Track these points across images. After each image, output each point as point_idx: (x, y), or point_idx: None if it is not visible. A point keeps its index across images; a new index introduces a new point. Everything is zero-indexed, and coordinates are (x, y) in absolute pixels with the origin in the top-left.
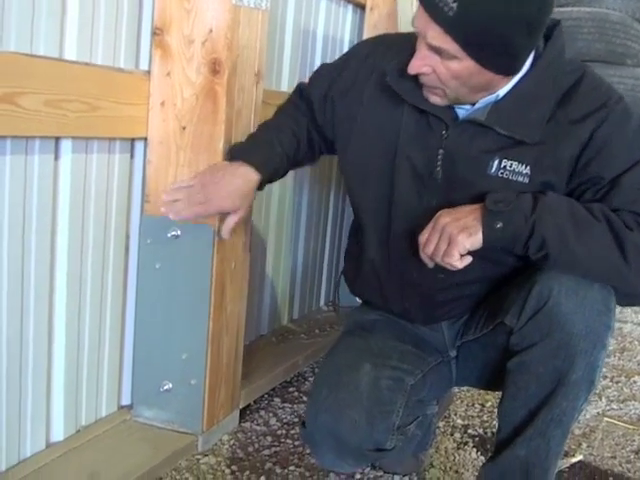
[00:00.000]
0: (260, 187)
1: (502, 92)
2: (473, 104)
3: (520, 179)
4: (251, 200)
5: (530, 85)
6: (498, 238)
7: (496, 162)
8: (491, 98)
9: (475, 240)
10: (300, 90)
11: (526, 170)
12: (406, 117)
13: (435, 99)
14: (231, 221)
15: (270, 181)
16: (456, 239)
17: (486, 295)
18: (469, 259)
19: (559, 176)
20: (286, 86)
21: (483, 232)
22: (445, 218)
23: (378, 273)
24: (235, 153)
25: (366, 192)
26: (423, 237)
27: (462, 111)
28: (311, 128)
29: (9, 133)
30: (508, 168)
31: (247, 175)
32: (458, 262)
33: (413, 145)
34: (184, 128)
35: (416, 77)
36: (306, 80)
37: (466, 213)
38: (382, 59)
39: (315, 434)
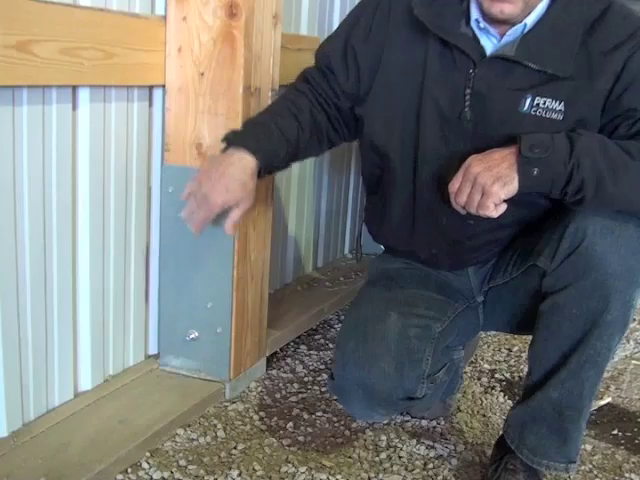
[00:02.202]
0: (260, 174)
1: (529, 21)
2: (501, 37)
3: (554, 116)
4: (252, 188)
5: (556, 14)
6: (535, 185)
7: (529, 100)
8: (519, 28)
9: (510, 189)
10: (304, 75)
11: (560, 107)
12: (431, 53)
13: (509, 8)
14: (234, 215)
15: (271, 167)
16: (490, 190)
17: (514, 239)
18: (504, 207)
19: (594, 111)
20: (305, 29)
21: (519, 180)
22: (476, 167)
23: (405, 221)
24: (229, 140)
25: (391, 136)
26: (454, 186)
27: (489, 47)
28: (317, 111)
29: (25, 82)
30: (541, 105)
31: (242, 161)
32: (494, 212)
33: (438, 84)
34: (202, 74)
35: (442, 8)
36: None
37: (498, 160)
38: None
39: (345, 386)
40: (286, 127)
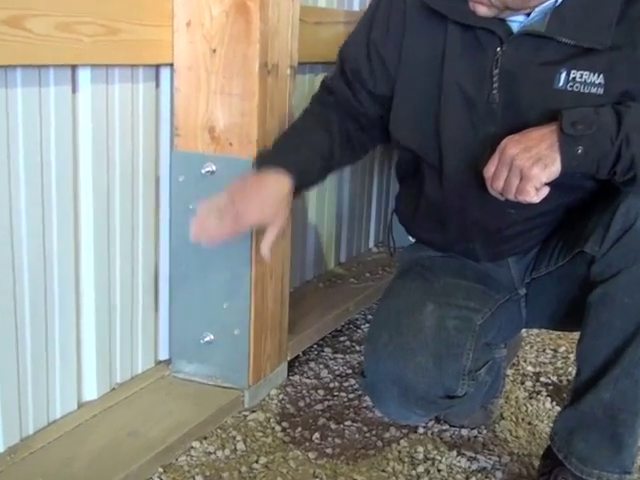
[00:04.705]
0: (296, 194)
1: None
2: (528, 14)
3: (594, 90)
4: (287, 207)
5: None
6: (579, 165)
7: (564, 74)
8: (549, 4)
9: (552, 171)
10: (326, 86)
11: (599, 79)
12: (450, 37)
13: (481, 9)
14: (270, 236)
15: (306, 185)
16: (529, 174)
17: (559, 224)
18: (546, 190)
19: (638, 83)
20: (324, 1)
21: (561, 160)
22: (513, 149)
23: (436, 215)
24: (260, 161)
25: (411, 128)
26: (489, 171)
27: (516, 24)
28: (347, 120)
29: (19, 62)
30: (578, 79)
31: (276, 181)
32: (535, 197)
33: (461, 68)
34: (214, 50)
35: None
36: None
37: (537, 140)
38: None
39: (378, 383)
40: (317, 142)
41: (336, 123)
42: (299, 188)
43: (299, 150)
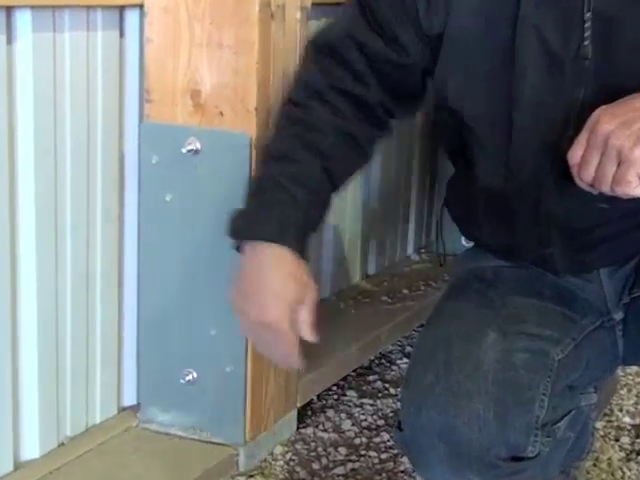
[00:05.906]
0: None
1: None
2: None
3: None
4: (305, 275)
5: None
6: None
7: None
8: None
9: None
10: (322, 45)
11: None
12: None
13: None
14: (303, 316)
15: (310, 235)
16: (631, 156)
17: None
18: None
19: None
20: None
21: None
22: (607, 124)
23: (501, 209)
24: (239, 232)
25: (471, 93)
26: (576, 155)
27: None
28: (349, 108)
29: None
30: None
31: (277, 259)
32: (638, 189)
33: (542, 9)
34: None
35: None
36: None
37: None
38: None
39: (419, 438)
40: (306, 177)
41: (331, 133)
42: (303, 244)
43: (286, 200)
